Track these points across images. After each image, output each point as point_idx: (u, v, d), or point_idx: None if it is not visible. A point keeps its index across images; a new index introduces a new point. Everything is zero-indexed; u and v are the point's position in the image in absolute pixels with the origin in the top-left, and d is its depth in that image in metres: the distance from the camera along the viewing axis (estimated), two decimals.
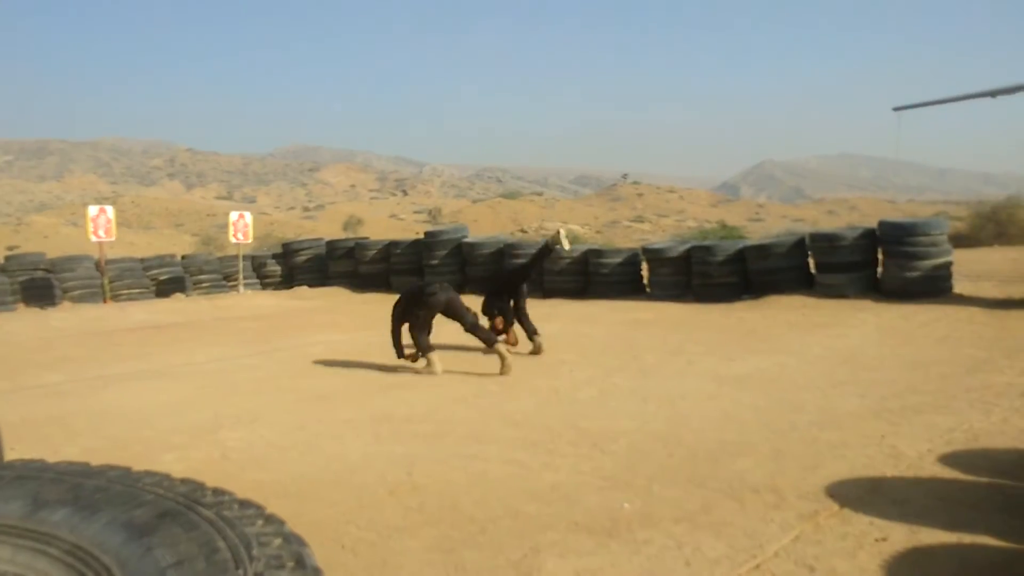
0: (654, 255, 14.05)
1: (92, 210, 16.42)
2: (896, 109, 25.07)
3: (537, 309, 12.94)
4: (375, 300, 14.29)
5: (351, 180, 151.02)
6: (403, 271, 16.69)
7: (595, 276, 14.44)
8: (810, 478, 4.27)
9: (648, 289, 14.32)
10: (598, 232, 50.15)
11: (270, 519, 1.67)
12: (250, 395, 6.98)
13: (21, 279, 15.87)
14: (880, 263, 12.44)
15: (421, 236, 17.49)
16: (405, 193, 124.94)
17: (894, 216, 15.15)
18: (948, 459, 4.52)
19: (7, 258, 17.03)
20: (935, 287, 11.62)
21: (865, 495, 4.00)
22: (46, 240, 41.08)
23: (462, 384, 7.20)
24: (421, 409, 6.22)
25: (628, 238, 42.91)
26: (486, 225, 53.70)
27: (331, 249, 18.47)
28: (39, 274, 16.18)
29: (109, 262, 16.76)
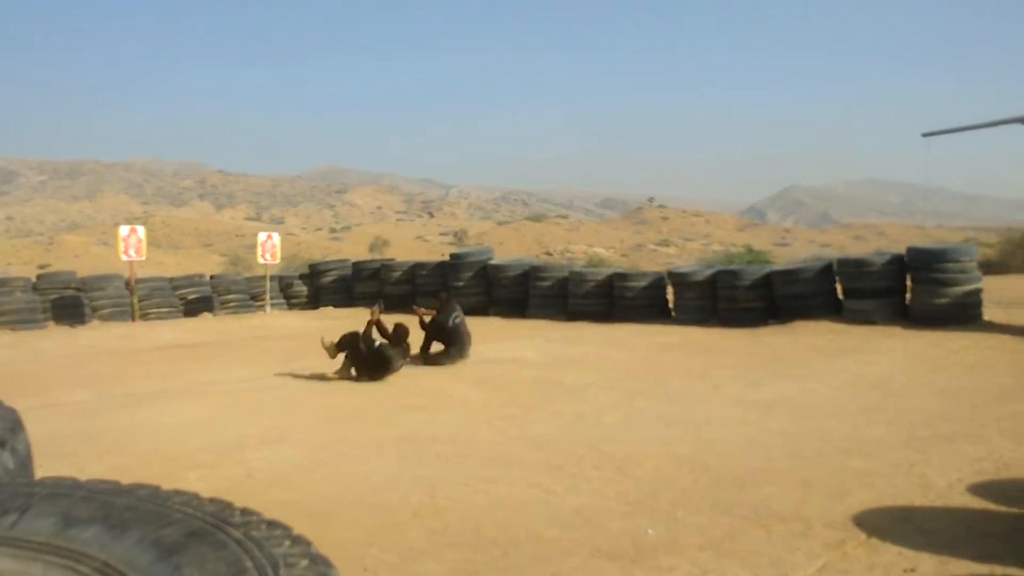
0: (680, 279, 14.00)
1: (123, 230, 16.71)
2: (925, 135, 24.96)
3: (561, 332, 13.00)
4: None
5: (378, 202, 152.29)
6: (428, 292, 16.67)
7: (620, 300, 14.40)
8: (837, 506, 4.22)
9: (673, 313, 14.26)
10: (623, 255, 50.16)
11: (297, 540, 1.68)
12: (275, 414, 7.03)
13: (52, 297, 16.10)
14: (909, 289, 12.32)
15: (447, 258, 17.56)
16: (431, 215, 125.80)
17: (922, 242, 15.00)
18: (978, 489, 4.45)
19: (38, 276, 17.31)
20: (964, 314, 11.48)
21: (893, 525, 3.95)
22: (77, 259, 41.79)
23: (485, 406, 7.20)
24: (445, 431, 6.23)
25: (654, 262, 42.84)
26: (511, 247, 53.89)
27: (357, 270, 18.60)
28: (70, 292, 16.41)
29: (139, 281, 17.00)
